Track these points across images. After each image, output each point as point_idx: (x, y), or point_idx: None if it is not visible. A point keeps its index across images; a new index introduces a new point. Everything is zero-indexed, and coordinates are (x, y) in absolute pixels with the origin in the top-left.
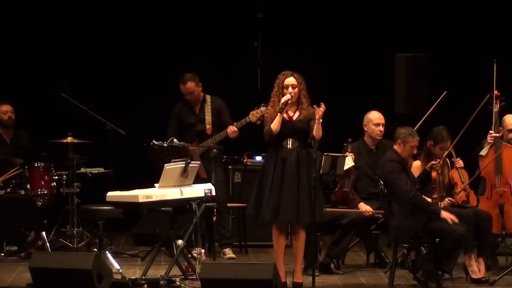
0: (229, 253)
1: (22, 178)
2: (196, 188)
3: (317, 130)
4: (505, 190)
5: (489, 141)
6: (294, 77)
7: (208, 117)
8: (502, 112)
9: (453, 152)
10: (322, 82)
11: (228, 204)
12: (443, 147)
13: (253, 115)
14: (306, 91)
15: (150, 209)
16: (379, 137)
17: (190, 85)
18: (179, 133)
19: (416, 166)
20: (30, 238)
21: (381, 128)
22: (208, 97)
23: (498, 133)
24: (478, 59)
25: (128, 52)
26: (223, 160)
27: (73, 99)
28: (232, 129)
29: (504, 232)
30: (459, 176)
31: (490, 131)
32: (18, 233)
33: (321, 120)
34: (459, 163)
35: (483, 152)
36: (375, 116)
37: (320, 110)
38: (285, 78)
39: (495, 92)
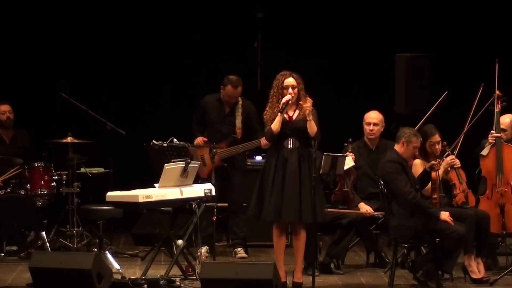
0: (240, 252)
1: (22, 178)
2: (196, 188)
3: (309, 127)
4: (506, 190)
5: (490, 141)
6: (293, 77)
7: (238, 121)
8: (504, 112)
9: (450, 153)
10: (322, 82)
11: (223, 204)
12: (433, 141)
13: None
14: (304, 90)
15: (150, 209)
16: (370, 136)
17: (240, 90)
18: (204, 129)
19: (417, 164)
20: (30, 238)
21: (372, 127)
22: (240, 99)
23: (499, 133)
24: (478, 59)
25: (128, 52)
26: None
27: (73, 99)
28: (265, 141)
29: (504, 232)
30: (457, 176)
31: (491, 131)
32: (18, 233)
33: (311, 117)
34: (457, 163)
35: (484, 152)
36: (367, 115)
37: (306, 106)
38: (284, 79)
39: (497, 92)
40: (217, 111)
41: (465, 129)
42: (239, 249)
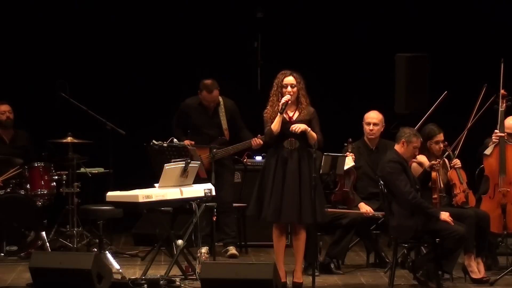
0: (232, 250)
1: (22, 178)
2: (196, 188)
3: (309, 137)
4: (508, 190)
5: (494, 140)
6: (293, 76)
7: (224, 122)
8: (508, 112)
9: (450, 153)
10: (322, 82)
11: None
12: (438, 140)
13: None
14: (305, 91)
15: (150, 209)
16: (370, 136)
17: (216, 93)
18: (187, 132)
19: (423, 161)
20: (30, 238)
21: (372, 127)
22: (220, 99)
23: (503, 133)
24: (478, 59)
25: (128, 52)
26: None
27: (73, 99)
28: (257, 142)
29: (505, 232)
30: (458, 176)
31: (495, 130)
32: (18, 233)
33: (308, 129)
34: (457, 163)
35: (488, 151)
36: (367, 115)
37: (298, 129)
38: (284, 78)
39: (502, 91)
40: (200, 114)
41: (466, 129)
42: (230, 246)
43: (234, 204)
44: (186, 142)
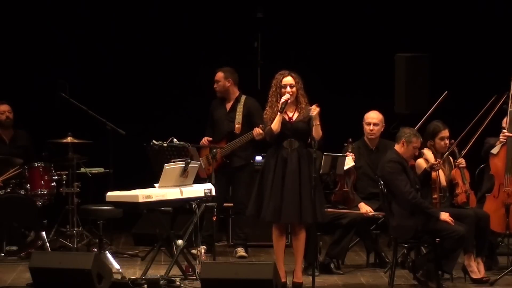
0: (240, 252)
1: (22, 178)
2: (196, 188)
3: (316, 131)
4: None
5: (501, 140)
6: (291, 76)
7: (238, 117)
8: None
9: (456, 151)
10: (322, 82)
11: (227, 204)
12: (442, 137)
13: None
14: (304, 90)
15: (150, 209)
16: (370, 136)
17: (219, 75)
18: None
19: (430, 157)
20: (30, 238)
21: (372, 127)
22: (243, 97)
23: (511, 133)
24: (478, 59)
25: (128, 52)
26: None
27: (73, 99)
28: (257, 131)
29: (507, 232)
30: (461, 176)
31: (503, 130)
32: (18, 233)
33: (318, 122)
34: (462, 163)
35: (494, 151)
36: (367, 115)
37: (315, 110)
38: (282, 78)
39: None
40: (219, 110)
41: (479, 131)
42: (239, 248)
43: None
44: (204, 139)
